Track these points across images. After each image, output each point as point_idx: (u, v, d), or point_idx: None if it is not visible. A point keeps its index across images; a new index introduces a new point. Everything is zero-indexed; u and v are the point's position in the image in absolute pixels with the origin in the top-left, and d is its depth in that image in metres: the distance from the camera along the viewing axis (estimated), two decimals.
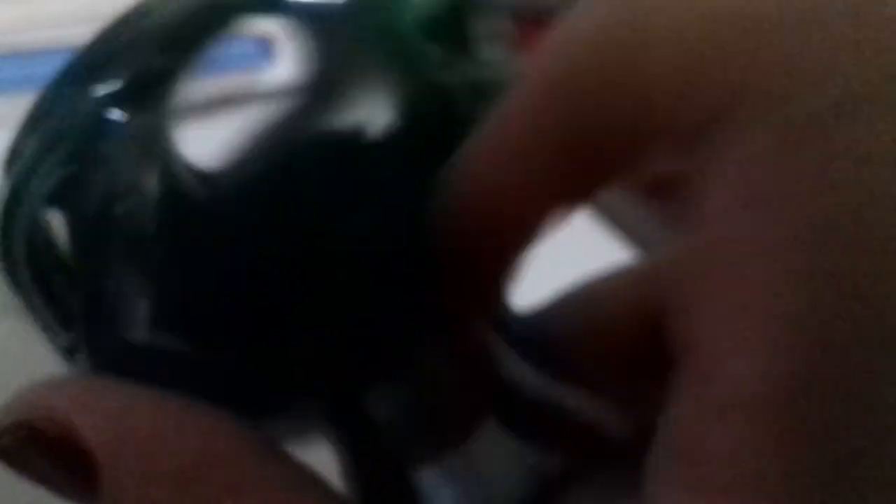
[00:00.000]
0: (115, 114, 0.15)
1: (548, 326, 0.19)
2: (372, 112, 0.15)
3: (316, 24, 0.16)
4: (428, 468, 0.16)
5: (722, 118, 0.13)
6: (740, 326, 0.12)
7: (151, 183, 0.15)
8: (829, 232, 0.12)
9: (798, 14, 0.13)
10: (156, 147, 0.15)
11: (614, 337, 0.18)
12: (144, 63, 0.15)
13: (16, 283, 0.17)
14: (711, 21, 0.13)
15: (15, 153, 0.16)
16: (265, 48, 0.43)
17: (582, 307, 0.19)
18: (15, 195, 0.16)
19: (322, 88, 0.16)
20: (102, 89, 0.15)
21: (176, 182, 0.15)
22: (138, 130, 0.15)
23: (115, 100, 0.15)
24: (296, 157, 0.15)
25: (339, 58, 0.16)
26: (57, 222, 0.16)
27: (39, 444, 0.15)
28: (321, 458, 0.16)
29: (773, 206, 0.12)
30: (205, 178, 0.15)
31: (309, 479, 0.15)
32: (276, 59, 0.43)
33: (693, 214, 0.13)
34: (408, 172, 0.16)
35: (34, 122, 0.16)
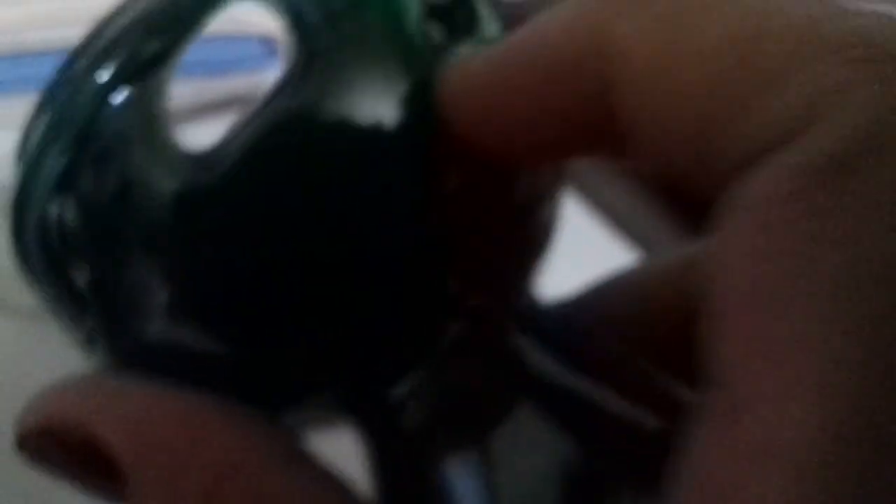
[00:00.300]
0: (116, 97, 0.15)
1: (576, 317, 0.18)
2: (369, 93, 0.15)
3: (311, 4, 0.16)
4: (452, 460, 0.16)
5: (758, 154, 0.12)
6: (781, 366, 0.11)
7: (152, 166, 0.15)
8: (886, 270, 0.11)
9: (827, 44, 0.12)
10: (153, 129, 0.15)
11: (651, 328, 0.18)
12: (140, 45, 0.16)
13: (30, 273, 0.17)
14: (741, 45, 0.12)
15: (24, 142, 0.16)
16: (270, 49, 0.43)
17: (616, 297, 0.19)
18: (25, 183, 0.16)
19: (317, 69, 0.15)
20: (104, 73, 0.16)
21: (174, 165, 0.15)
22: (137, 112, 0.15)
23: (113, 83, 0.15)
24: (294, 138, 0.15)
25: (334, 38, 0.16)
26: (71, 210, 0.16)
27: (64, 449, 0.15)
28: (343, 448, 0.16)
29: (826, 245, 0.11)
30: (199, 161, 0.15)
31: (336, 491, 0.15)
32: (280, 59, 0.43)
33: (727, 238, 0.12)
34: (411, 154, 0.16)
35: (41, 110, 0.16)
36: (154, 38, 0.16)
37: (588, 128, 0.14)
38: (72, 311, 0.17)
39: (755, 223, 0.12)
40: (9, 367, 0.29)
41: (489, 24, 0.17)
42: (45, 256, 0.16)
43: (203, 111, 0.35)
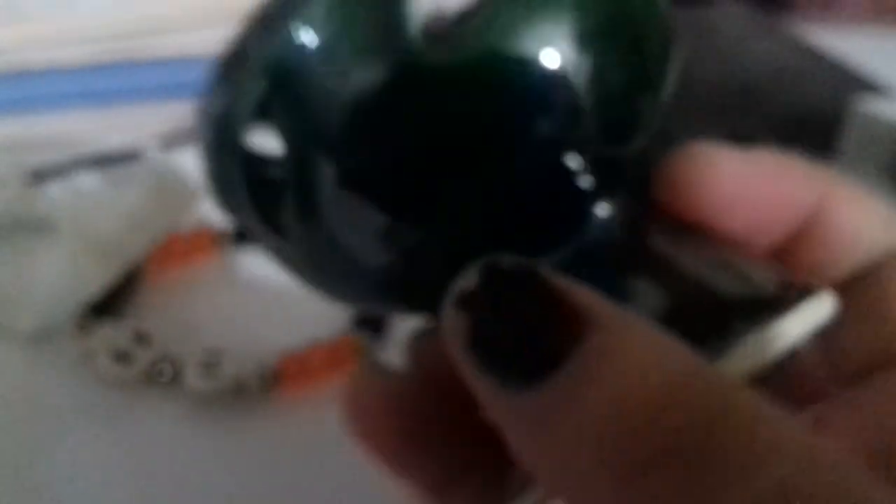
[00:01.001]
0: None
1: None
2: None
3: None
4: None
5: None
6: None
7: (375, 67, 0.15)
8: None
9: None
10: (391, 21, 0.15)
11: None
12: None
13: (232, 205, 0.17)
14: None
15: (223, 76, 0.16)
16: None
17: None
18: (223, 116, 0.16)
19: None
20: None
21: (408, 50, 0.15)
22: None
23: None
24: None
25: None
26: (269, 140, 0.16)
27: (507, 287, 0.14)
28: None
29: None
30: (436, 40, 0.15)
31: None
32: None
33: None
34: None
35: (238, 55, 0.16)
36: None
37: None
38: (268, 238, 0.17)
39: None
40: (13, 389, 0.30)
41: None
42: (248, 186, 0.16)
43: None
